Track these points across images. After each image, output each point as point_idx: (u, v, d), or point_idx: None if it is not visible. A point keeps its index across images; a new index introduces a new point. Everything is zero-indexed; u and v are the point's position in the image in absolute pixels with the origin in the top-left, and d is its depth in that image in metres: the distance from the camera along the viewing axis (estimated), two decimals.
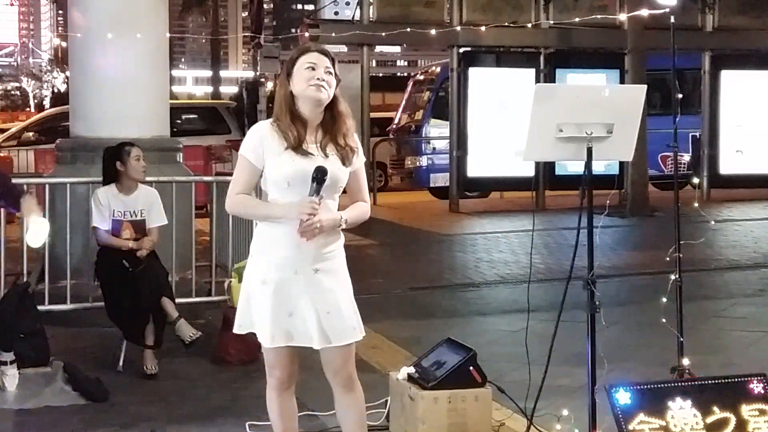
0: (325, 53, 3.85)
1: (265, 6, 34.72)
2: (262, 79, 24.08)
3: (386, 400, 5.14)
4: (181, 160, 8.77)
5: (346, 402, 3.98)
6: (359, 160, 3.93)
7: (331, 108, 3.83)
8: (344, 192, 3.93)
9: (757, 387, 4.34)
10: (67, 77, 17.94)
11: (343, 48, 20.69)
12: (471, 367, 4.88)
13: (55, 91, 57.85)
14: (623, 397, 4.20)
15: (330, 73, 3.80)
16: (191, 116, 18.32)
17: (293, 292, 3.77)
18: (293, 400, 4.08)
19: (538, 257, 10.84)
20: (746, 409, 4.27)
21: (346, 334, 3.83)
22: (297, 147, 3.74)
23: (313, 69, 3.77)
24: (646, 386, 4.30)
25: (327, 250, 3.82)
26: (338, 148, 3.81)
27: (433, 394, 4.79)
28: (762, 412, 4.27)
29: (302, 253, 3.75)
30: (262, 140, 3.79)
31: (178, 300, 6.62)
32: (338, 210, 3.86)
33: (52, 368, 6.07)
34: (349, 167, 3.85)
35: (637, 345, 6.90)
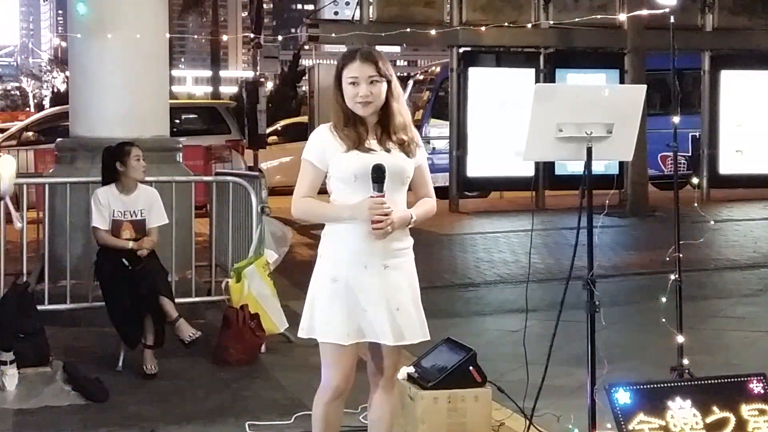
0: (370, 59, 3.81)
1: (264, 6, 34.72)
2: (262, 79, 24.06)
3: None
4: (181, 160, 8.77)
5: (383, 400, 3.96)
6: (422, 155, 3.93)
7: (386, 107, 3.83)
8: (409, 189, 3.93)
9: (756, 387, 4.34)
10: (66, 77, 17.92)
11: (343, 48, 20.68)
12: (471, 367, 4.88)
13: (55, 91, 57.87)
14: (623, 397, 4.20)
15: (376, 81, 3.77)
16: (191, 116, 18.30)
17: (364, 287, 3.77)
18: (342, 409, 3.99)
19: (537, 257, 10.85)
20: (746, 409, 4.27)
21: (416, 332, 3.83)
22: (358, 147, 3.77)
23: (355, 84, 3.77)
24: (645, 386, 4.30)
25: (397, 247, 3.82)
26: (398, 142, 3.82)
27: (432, 394, 4.79)
28: (762, 412, 4.28)
29: (372, 250, 3.76)
30: (323, 144, 3.82)
31: (177, 300, 6.61)
32: (406, 205, 3.86)
33: (51, 368, 6.07)
34: (413, 159, 3.86)
35: (636, 345, 6.90)
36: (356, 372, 3.93)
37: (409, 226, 3.86)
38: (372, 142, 3.81)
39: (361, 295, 3.77)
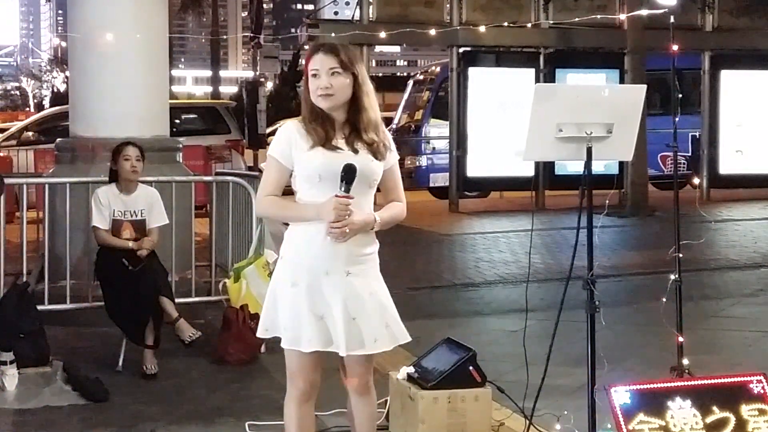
0: (332, 51, 3.71)
1: (264, 6, 34.73)
2: (262, 79, 24.09)
3: (386, 400, 5.14)
4: (181, 160, 8.77)
5: (360, 405, 3.90)
6: (393, 157, 3.83)
7: (354, 103, 3.72)
8: (378, 191, 3.85)
9: (756, 387, 4.34)
10: (66, 77, 17.95)
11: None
12: (471, 367, 4.88)
13: (55, 90, 57.85)
14: (623, 397, 4.19)
15: (337, 73, 3.67)
16: (191, 116, 18.29)
17: (325, 294, 3.67)
18: (312, 412, 3.92)
19: (537, 257, 10.85)
20: (746, 409, 4.27)
21: (374, 342, 3.71)
22: (324, 144, 3.66)
23: (316, 76, 3.68)
24: (645, 386, 4.30)
25: (360, 252, 3.70)
26: (367, 143, 3.71)
27: (432, 394, 4.78)
28: (762, 412, 4.28)
29: (334, 255, 3.65)
30: (289, 139, 3.72)
31: (177, 300, 6.62)
32: (374, 209, 3.77)
33: (51, 368, 6.08)
34: (382, 162, 3.75)
35: (636, 345, 6.90)
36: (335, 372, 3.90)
37: (374, 230, 3.73)
38: (339, 141, 3.69)
39: (320, 302, 3.67)
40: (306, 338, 3.68)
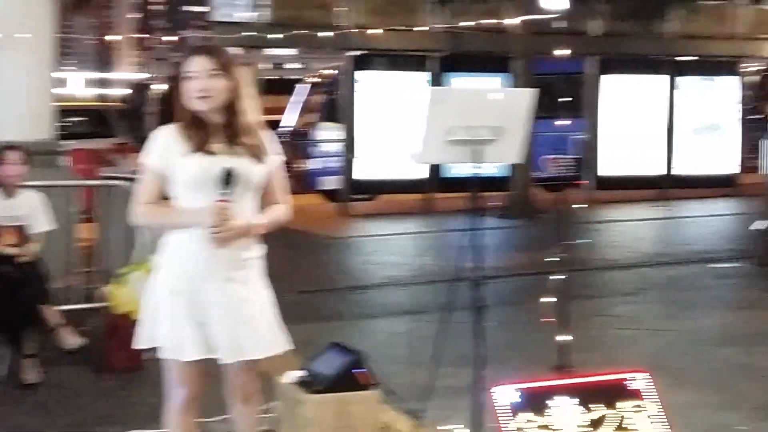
0: (210, 53, 3.67)
1: (155, 7, 34.18)
2: (152, 82, 23.72)
3: (274, 405, 5.11)
4: (67, 164, 8.57)
5: (243, 414, 3.87)
6: (275, 160, 3.78)
7: (233, 107, 3.66)
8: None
9: (636, 383, 4.44)
10: None
11: (237, 50, 20.50)
12: (359, 370, 4.89)
13: None
14: (508, 396, 4.24)
15: (216, 75, 3.61)
16: (78, 119, 17.89)
17: (205, 301, 3.61)
18: (194, 422, 3.88)
19: (426, 259, 10.94)
20: (626, 406, 4.37)
21: (256, 348, 3.67)
22: (201, 149, 3.60)
23: (193, 79, 3.62)
24: (530, 385, 4.37)
25: (242, 257, 3.65)
26: (245, 146, 3.65)
27: (320, 398, 4.78)
28: (642, 408, 4.38)
29: (214, 260, 3.59)
30: (164, 145, 3.65)
31: (61, 307, 6.47)
32: (257, 213, 3.72)
33: None
34: (262, 166, 3.70)
35: (522, 344, 7.01)
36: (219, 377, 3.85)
37: (256, 234, 3.70)
38: (217, 146, 3.64)
39: (200, 310, 3.62)
40: (187, 347, 3.63)
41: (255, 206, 3.74)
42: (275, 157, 3.80)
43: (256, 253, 3.74)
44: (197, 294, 3.62)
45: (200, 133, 3.63)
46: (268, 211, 3.79)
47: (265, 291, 3.77)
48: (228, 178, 3.54)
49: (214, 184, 3.54)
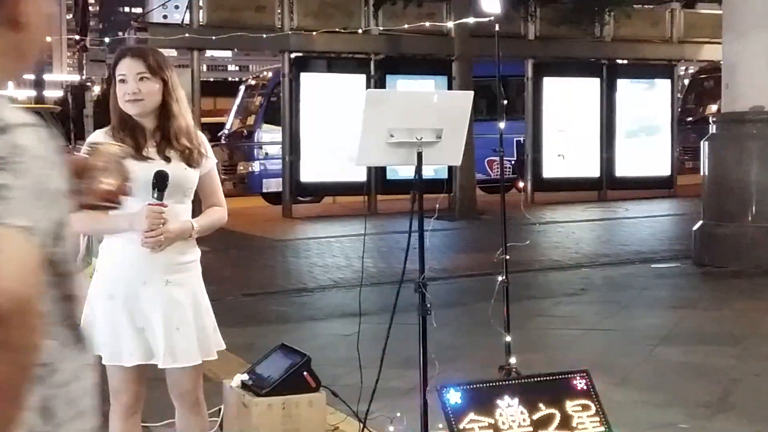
0: (140, 55, 3.65)
1: (90, 8, 33.75)
2: (89, 83, 23.43)
3: (220, 408, 5.09)
4: None
5: (189, 422, 3.84)
6: (209, 162, 3.76)
7: (164, 110, 3.64)
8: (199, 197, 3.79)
9: (579, 383, 4.50)
10: None
11: (173, 52, 20.35)
12: (305, 372, 4.88)
13: None
14: (453, 397, 4.27)
15: (146, 78, 3.59)
16: None
17: (143, 305, 3.58)
18: (139, 424, 3.84)
19: (370, 261, 10.95)
20: (570, 405, 4.42)
21: (192, 354, 3.64)
22: (135, 154, 3.56)
23: (124, 81, 3.60)
24: (475, 386, 4.39)
25: (180, 261, 3.64)
26: (178, 150, 3.64)
27: (266, 401, 4.76)
28: (585, 407, 4.43)
29: (151, 264, 3.57)
30: None
31: None
32: (192, 216, 3.71)
33: None
34: (197, 169, 3.69)
35: (466, 345, 7.05)
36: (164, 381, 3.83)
37: (193, 237, 3.69)
38: (150, 150, 3.62)
39: (138, 314, 3.59)
40: (127, 352, 3.60)
41: (189, 210, 3.73)
42: (209, 159, 3.78)
43: (193, 256, 3.73)
44: (135, 299, 3.60)
45: (134, 137, 3.61)
46: (205, 214, 3.80)
47: (202, 295, 3.75)
48: (160, 182, 3.53)
49: (147, 188, 3.52)
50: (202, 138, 3.79)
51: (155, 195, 3.52)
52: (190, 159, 3.67)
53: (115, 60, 3.70)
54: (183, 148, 3.65)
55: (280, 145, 16.86)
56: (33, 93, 36.08)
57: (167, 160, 3.62)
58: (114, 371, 3.68)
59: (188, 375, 3.72)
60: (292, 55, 16.57)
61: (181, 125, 3.67)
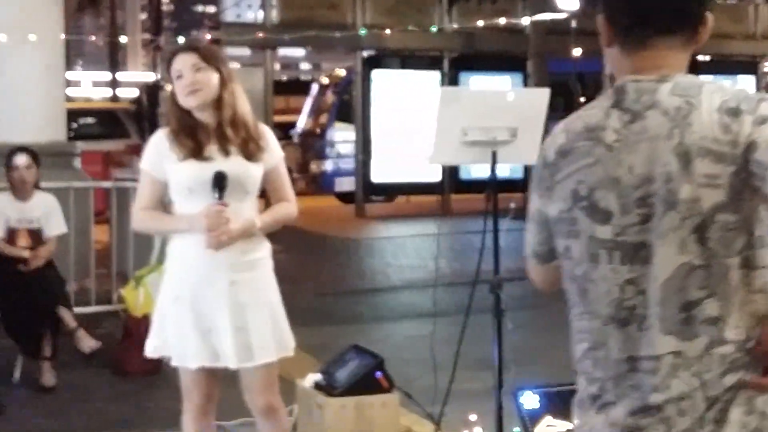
0: (192, 48, 3.67)
1: (164, 8, 34.23)
2: (163, 82, 23.74)
3: (292, 409, 5.08)
4: (79, 166, 8.55)
5: (266, 428, 3.80)
6: (272, 156, 3.70)
7: (222, 102, 3.60)
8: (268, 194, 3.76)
9: None
10: None
11: (247, 51, 20.51)
12: (378, 373, 4.85)
13: None
14: (530, 401, 4.21)
15: (200, 68, 3.57)
16: (89, 120, 17.91)
17: (210, 307, 3.57)
18: (211, 425, 3.83)
19: (444, 261, 10.88)
20: None
21: (261, 353, 3.60)
22: (196, 155, 3.56)
23: (181, 77, 3.59)
24: (552, 389, 4.32)
25: (245, 259, 3.60)
26: (237, 141, 3.60)
27: (340, 401, 4.74)
28: None
29: (216, 264, 3.55)
30: (159, 151, 3.63)
31: (76, 309, 6.45)
32: (257, 213, 3.67)
33: None
34: (259, 164, 3.64)
35: (543, 348, 6.95)
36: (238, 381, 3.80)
37: (258, 234, 3.64)
38: (211, 149, 3.59)
39: (204, 316, 3.57)
40: (192, 354, 3.59)
41: (254, 206, 3.69)
42: (274, 153, 3.73)
43: (260, 253, 3.69)
44: (200, 300, 3.58)
45: (194, 138, 3.59)
46: (271, 210, 3.75)
47: (272, 292, 3.71)
48: (220, 182, 3.51)
49: (207, 189, 3.51)
50: (264, 131, 3.73)
51: (216, 195, 3.50)
52: (249, 152, 3.61)
53: (168, 61, 3.70)
54: (241, 139, 3.61)
55: (353, 144, 16.87)
56: (108, 92, 36.68)
57: (226, 153, 3.58)
58: (184, 372, 3.69)
59: (260, 376, 3.68)
60: (365, 53, 16.57)
61: (237, 116, 3.63)
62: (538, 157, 2.02)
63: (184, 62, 3.59)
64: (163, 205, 3.77)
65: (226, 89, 3.61)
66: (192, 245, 3.56)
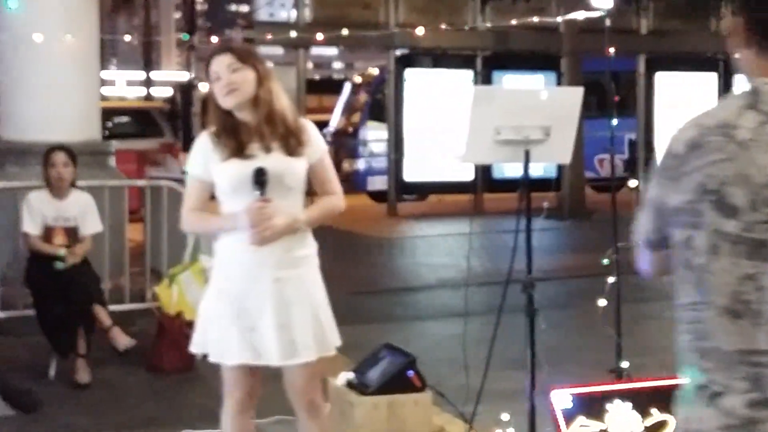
0: (227, 49, 3.71)
1: (198, 7, 34.47)
2: (196, 81, 23.87)
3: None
4: (114, 164, 8.61)
5: (307, 428, 3.80)
6: (316, 150, 3.70)
7: (260, 100, 3.63)
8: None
9: None
10: None
11: (280, 50, 20.56)
12: (410, 372, 4.85)
13: None
14: (562, 400, 4.20)
15: (237, 68, 3.61)
16: (123, 119, 18.04)
17: (252, 303, 3.58)
18: (250, 422, 3.84)
19: (476, 260, 10.84)
20: None
21: (303, 351, 3.61)
22: (238, 154, 3.59)
23: (219, 78, 3.63)
24: (585, 389, 4.30)
25: (290, 257, 3.61)
26: (278, 137, 3.62)
27: (372, 400, 4.75)
28: None
29: (260, 262, 3.57)
30: (204, 152, 3.66)
31: (111, 307, 6.49)
32: (302, 208, 3.68)
33: None
34: (302, 159, 3.65)
35: (575, 348, 6.93)
36: (275, 379, 3.81)
37: (302, 230, 3.64)
38: (253, 147, 3.61)
39: (247, 313, 3.58)
40: (233, 351, 3.60)
41: (300, 202, 3.69)
42: (317, 147, 3.73)
43: (306, 251, 3.69)
44: (244, 298, 3.59)
45: (236, 138, 3.62)
46: (316, 204, 3.76)
47: (317, 290, 3.72)
48: (260, 178, 3.52)
49: (250, 186, 3.53)
50: (306, 125, 3.74)
51: (258, 192, 3.51)
52: (290, 147, 3.63)
53: (206, 65, 3.73)
54: (280, 135, 3.63)
55: (385, 143, 16.87)
56: (142, 91, 36.92)
57: (268, 150, 3.60)
58: (225, 369, 3.71)
59: (302, 374, 3.69)
60: (398, 52, 16.56)
61: (276, 112, 3.65)
62: (666, 148, 2.07)
63: (220, 64, 3.63)
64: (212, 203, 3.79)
65: (263, 87, 3.64)
66: (237, 243, 3.58)
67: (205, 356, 3.73)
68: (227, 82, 3.60)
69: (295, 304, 3.60)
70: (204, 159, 3.66)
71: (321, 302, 3.72)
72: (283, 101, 3.70)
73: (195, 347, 3.75)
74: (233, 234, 3.60)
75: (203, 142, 3.69)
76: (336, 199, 3.79)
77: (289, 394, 3.79)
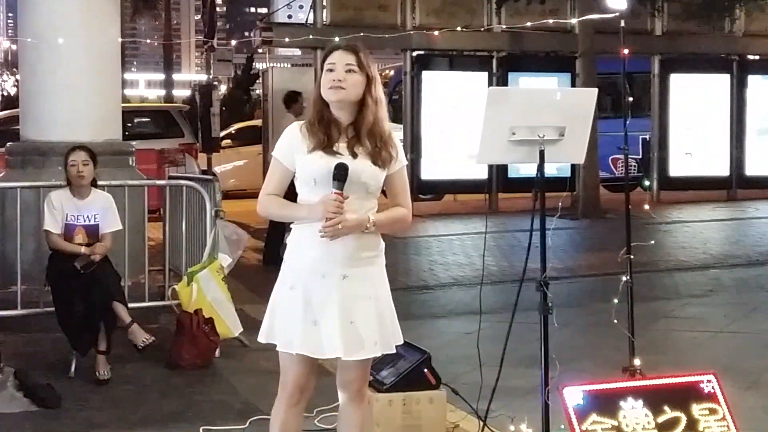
0: (352, 49, 3.74)
1: (218, 9, 34.55)
2: (216, 83, 23.96)
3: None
4: (134, 164, 8.70)
5: (350, 411, 3.88)
6: (397, 164, 3.79)
7: (362, 107, 3.71)
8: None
9: (706, 386, 4.40)
10: (17, 80, 17.71)
11: (297, 51, 20.59)
12: (425, 370, 4.90)
13: (5, 94, 57.06)
14: (576, 398, 4.23)
15: (353, 71, 3.68)
16: (144, 119, 18.14)
17: (320, 298, 3.65)
18: (300, 418, 3.88)
19: (491, 259, 10.89)
20: (696, 409, 4.33)
21: (365, 348, 3.68)
22: (324, 147, 3.66)
23: (332, 70, 3.69)
24: (598, 387, 4.34)
25: (359, 255, 3.68)
26: (368, 148, 3.69)
27: (387, 397, 4.79)
28: (712, 411, 4.33)
29: (331, 258, 3.64)
30: (291, 141, 3.73)
31: (130, 304, 6.57)
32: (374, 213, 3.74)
33: (3, 375, 5.99)
34: (384, 169, 3.73)
35: (589, 346, 6.96)
36: (319, 376, 3.88)
37: (370, 231, 3.69)
38: (340, 145, 3.69)
39: (314, 306, 3.65)
40: (296, 342, 3.67)
41: (373, 206, 3.75)
42: (400, 161, 3.81)
43: (374, 251, 3.77)
44: (312, 291, 3.67)
45: (327, 131, 3.69)
46: (387, 211, 3.82)
47: (381, 289, 3.80)
48: (340, 173, 3.58)
49: (330, 180, 3.59)
50: (396, 141, 3.83)
51: (335, 186, 3.58)
52: (377, 158, 3.71)
53: (326, 52, 3.78)
54: (372, 147, 3.70)
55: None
56: (163, 92, 37.10)
57: (354, 155, 3.68)
58: (285, 359, 3.76)
59: (360, 366, 3.78)
60: (414, 53, 16.61)
61: (375, 124, 3.72)
62: None
63: (339, 59, 3.70)
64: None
65: (371, 95, 3.72)
66: (309, 236, 3.65)
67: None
68: (338, 78, 3.67)
69: (360, 301, 3.68)
70: (290, 147, 3.73)
71: (386, 300, 3.81)
72: (384, 113, 3.79)
73: (262, 336, 3.80)
74: (306, 227, 3.67)
75: (292, 131, 3.76)
76: (405, 212, 3.87)
77: (338, 380, 3.87)
